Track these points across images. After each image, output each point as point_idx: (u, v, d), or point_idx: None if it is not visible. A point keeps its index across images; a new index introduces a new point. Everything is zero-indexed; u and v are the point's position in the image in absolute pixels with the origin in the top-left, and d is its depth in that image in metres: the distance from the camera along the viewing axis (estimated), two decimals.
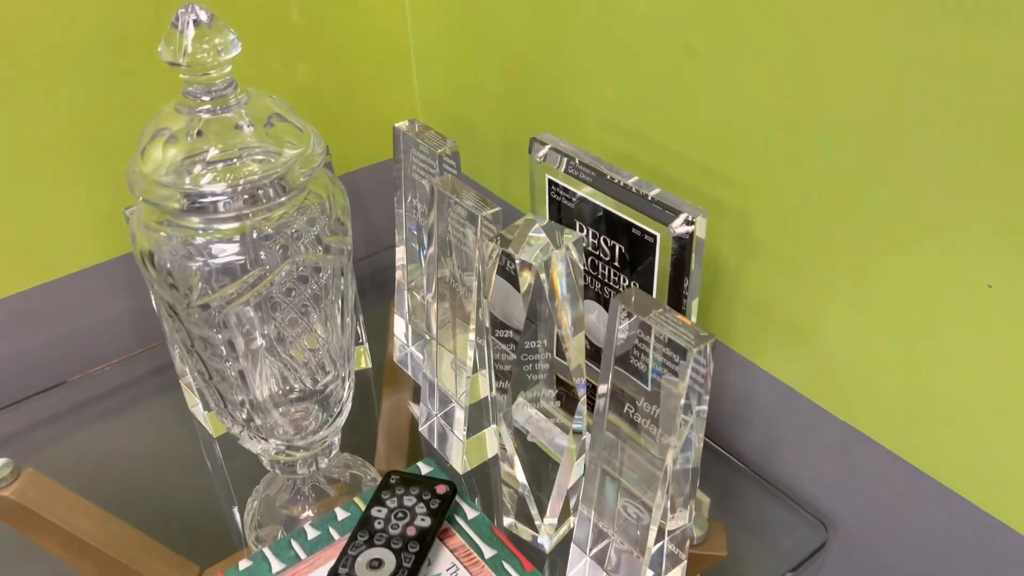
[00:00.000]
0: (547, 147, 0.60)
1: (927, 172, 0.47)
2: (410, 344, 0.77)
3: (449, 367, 0.66)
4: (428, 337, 0.67)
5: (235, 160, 0.45)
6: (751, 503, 0.64)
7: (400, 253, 0.74)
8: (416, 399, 0.75)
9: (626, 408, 0.51)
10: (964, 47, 0.42)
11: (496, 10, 0.73)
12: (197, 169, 0.45)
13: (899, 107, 0.46)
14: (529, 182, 0.62)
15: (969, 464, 0.52)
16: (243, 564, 0.54)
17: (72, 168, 0.72)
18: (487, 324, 0.54)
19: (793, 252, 0.56)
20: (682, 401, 0.47)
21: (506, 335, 0.54)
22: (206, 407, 0.70)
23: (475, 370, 0.64)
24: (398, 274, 0.75)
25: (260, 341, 0.51)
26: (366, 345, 0.78)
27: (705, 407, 0.49)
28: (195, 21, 0.43)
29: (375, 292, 0.89)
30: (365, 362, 0.78)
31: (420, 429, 0.71)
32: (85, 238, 0.75)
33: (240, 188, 0.44)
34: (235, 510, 0.66)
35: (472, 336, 0.62)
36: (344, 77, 0.84)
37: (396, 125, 0.67)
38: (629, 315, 0.48)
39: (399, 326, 0.78)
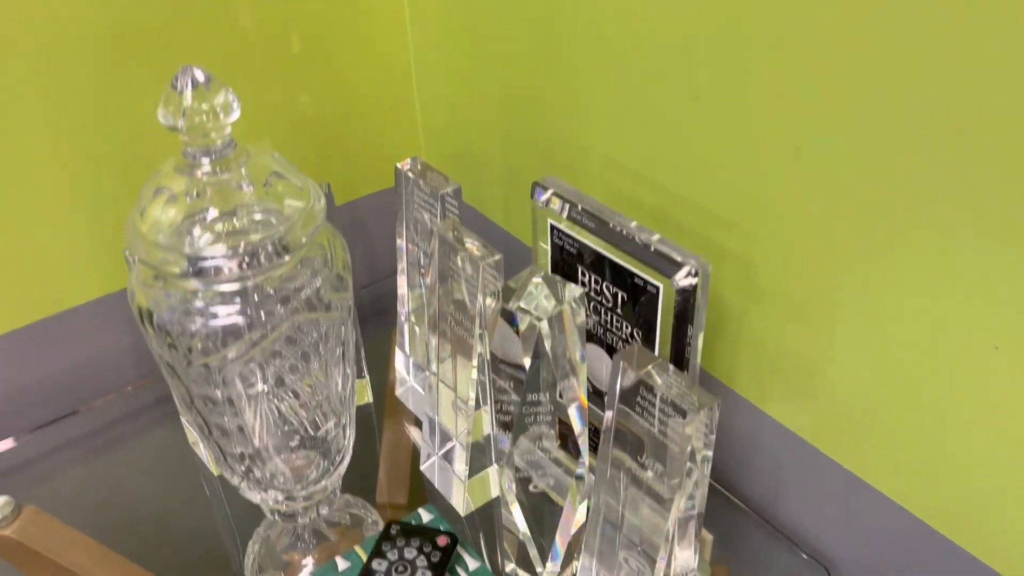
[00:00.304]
0: (549, 191, 0.60)
1: (935, 227, 0.46)
2: (411, 378, 0.77)
3: (450, 405, 0.66)
4: (428, 372, 0.67)
5: (235, 220, 0.45)
6: (754, 545, 0.64)
7: (401, 287, 0.73)
8: (418, 426, 0.75)
9: (628, 462, 0.51)
10: (969, 98, 0.42)
11: (500, 46, 0.73)
12: (197, 231, 0.44)
13: (907, 156, 0.46)
14: (531, 224, 0.62)
15: (971, 517, 0.52)
16: None
17: (74, 205, 0.72)
18: (488, 367, 0.54)
19: (798, 299, 0.56)
20: (686, 453, 0.47)
21: (508, 385, 0.54)
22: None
23: (477, 407, 0.64)
24: (399, 309, 0.75)
25: (260, 387, 0.50)
26: (367, 378, 0.78)
27: (710, 454, 0.48)
28: (192, 83, 0.42)
29: (376, 319, 0.88)
30: (367, 396, 0.78)
31: (421, 468, 0.71)
32: (86, 273, 0.75)
33: (241, 250, 0.44)
34: (236, 546, 0.66)
35: (474, 375, 0.62)
36: (346, 107, 0.83)
37: (398, 165, 0.67)
38: (632, 374, 0.47)
39: (399, 360, 0.77)
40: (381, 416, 0.78)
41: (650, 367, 0.47)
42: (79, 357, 0.78)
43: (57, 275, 0.74)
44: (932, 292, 0.48)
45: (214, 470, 0.71)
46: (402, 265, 0.72)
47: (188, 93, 0.42)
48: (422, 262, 0.70)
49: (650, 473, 0.50)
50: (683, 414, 0.46)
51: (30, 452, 0.75)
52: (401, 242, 0.71)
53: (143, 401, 0.79)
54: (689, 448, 0.46)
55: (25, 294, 0.73)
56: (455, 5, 0.76)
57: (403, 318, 0.75)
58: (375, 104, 0.85)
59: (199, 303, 0.46)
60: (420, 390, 0.76)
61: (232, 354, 0.46)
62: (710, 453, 0.48)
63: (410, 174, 0.66)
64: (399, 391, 0.79)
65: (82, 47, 0.66)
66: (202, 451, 0.71)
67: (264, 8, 0.74)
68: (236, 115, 0.43)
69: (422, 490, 0.70)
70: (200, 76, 0.43)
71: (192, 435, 0.72)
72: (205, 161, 0.44)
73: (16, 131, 0.66)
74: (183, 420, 0.72)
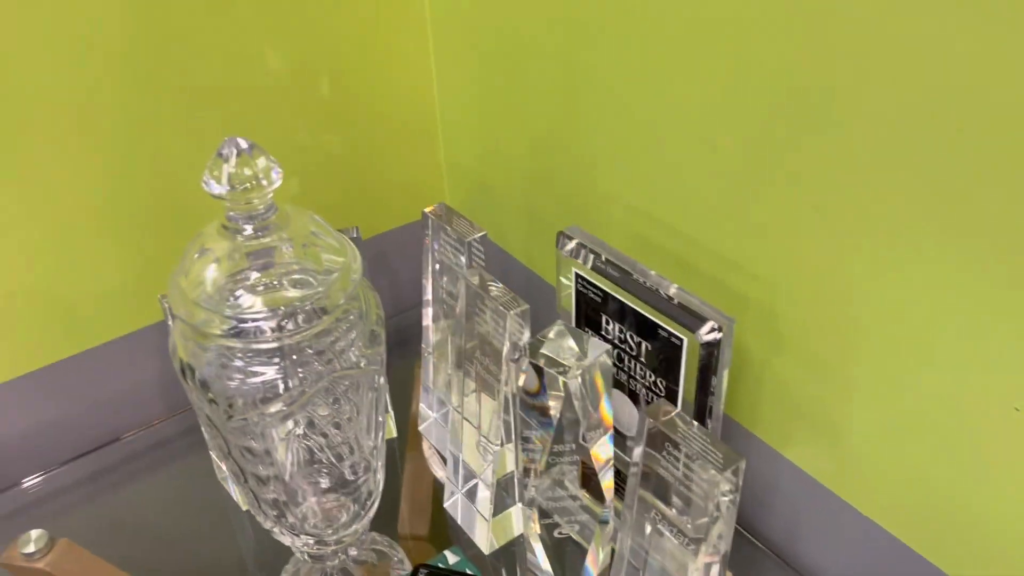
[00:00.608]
0: (574, 241, 0.61)
1: (963, 288, 0.47)
2: (434, 412, 0.78)
3: (474, 444, 0.67)
4: (452, 409, 0.68)
5: (275, 282, 0.46)
6: None
7: (426, 324, 0.75)
8: (441, 460, 0.76)
9: (654, 510, 0.52)
10: (993, 157, 0.43)
11: (525, 94, 0.74)
12: (238, 292, 0.46)
13: (934, 215, 0.47)
14: (555, 271, 0.63)
15: (993, 569, 0.52)
16: None
17: (106, 243, 0.74)
18: (512, 407, 0.55)
19: (820, 349, 0.57)
20: (712, 506, 0.48)
21: (534, 430, 0.55)
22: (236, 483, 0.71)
23: (501, 444, 0.65)
24: (424, 346, 0.76)
25: (292, 431, 0.52)
26: (391, 413, 0.79)
27: (735, 507, 0.49)
28: (237, 153, 0.44)
29: (400, 350, 0.90)
30: (391, 431, 0.79)
31: (444, 505, 0.72)
32: (115, 309, 0.77)
33: (280, 312, 0.45)
34: None
35: (498, 415, 0.63)
36: (371, 147, 0.85)
37: (425, 210, 0.68)
38: (658, 430, 0.49)
39: (424, 397, 0.79)
40: (403, 449, 0.79)
41: (676, 423, 0.49)
42: (110, 391, 0.80)
43: (89, 311, 0.76)
44: (957, 350, 0.49)
45: (242, 505, 0.73)
46: (427, 302, 0.73)
47: (233, 162, 0.44)
48: (447, 301, 0.71)
49: (675, 521, 0.51)
50: (708, 471, 0.47)
51: (62, 484, 0.77)
52: (427, 282, 0.72)
53: (172, 434, 0.81)
54: (715, 502, 0.48)
55: (58, 330, 0.75)
56: (481, 53, 0.78)
57: (427, 354, 0.76)
58: (400, 144, 0.87)
59: (238, 362, 0.47)
60: (443, 425, 0.77)
61: (272, 410, 0.47)
62: (735, 506, 0.49)
63: (437, 219, 0.68)
64: (422, 426, 0.80)
65: (118, 94, 0.68)
66: (231, 486, 0.72)
67: (295, 51, 0.75)
68: (278, 183, 0.45)
69: (443, 523, 0.72)
70: (243, 144, 0.44)
71: (221, 471, 0.74)
72: (248, 226, 0.46)
73: (49, 170, 0.68)
74: (212, 455, 0.74)
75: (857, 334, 0.54)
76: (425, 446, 0.79)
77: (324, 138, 0.81)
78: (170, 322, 0.64)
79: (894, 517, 0.57)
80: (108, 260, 0.74)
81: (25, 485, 0.76)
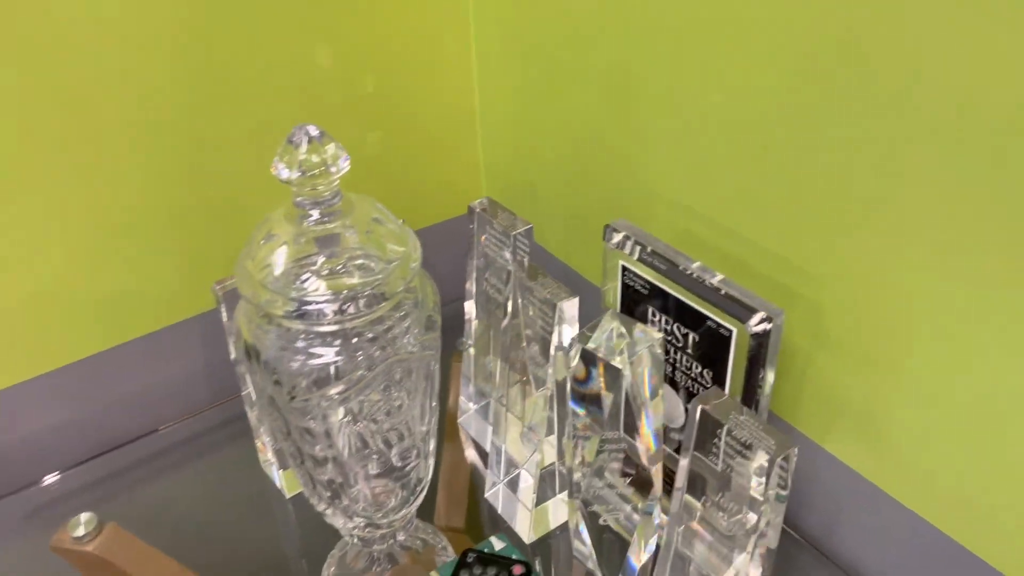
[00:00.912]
0: (621, 234, 0.62)
1: (1010, 286, 0.48)
2: (474, 405, 0.79)
3: (518, 435, 0.68)
4: (494, 400, 0.69)
5: (340, 267, 0.47)
6: None
7: (469, 317, 0.76)
8: (477, 452, 0.77)
9: (703, 498, 0.53)
10: None
11: (567, 92, 0.75)
12: (305, 276, 0.47)
13: (985, 212, 0.47)
14: (602, 265, 0.64)
15: None
16: None
17: (157, 235, 0.75)
18: (556, 400, 0.56)
19: (866, 346, 0.57)
20: (761, 495, 0.49)
21: (584, 421, 0.56)
22: (283, 466, 0.72)
23: (545, 435, 0.66)
24: (466, 339, 0.77)
25: (348, 416, 0.53)
26: None
27: (785, 494, 0.50)
28: (308, 140, 0.45)
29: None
30: None
31: (486, 495, 0.73)
32: (164, 300, 0.78)
33: (342, 297, 0.47)
34: (306, 567, 0.69)
35: (544, 408, 0.64)
36: (411, 145, 0.86)
37: (471, 204, 0.69)
38: (710, 416, 0.50)
39: (463, 389, 0.80)
40: (441, 441, 0.80)
41: (728, 410, 0.49)
42: (156, 380, 0.81)
43: (139, 302, 0.77)
44: (1008, 348, 0.49)
45: (287, 492, 0.74)
46: (470, 294, 0.74)
47: (303, 148, 0.45)
48: (490, 294, 0.72)
49: (723, 511, 0.52)
50: (759, 457, 0.48)
51: (108, 471, 0.78)
52: (471, 275, 0.73)
53: (215, 423, 0.82)
54: (764, 490, 0.48)
55: (109, 320, 0.76)
56: (523, 53, 0.79)
57: (468, 346, 0.77)
58: (439, 143, 0.88)
59: (300, 343, 0.48)
60: (482, 417, 0.78)
61: (332, 391, 0.49)
62: (785, 493, 0.50)
63: (483, 212, 0.69)
64: (461, 418, 0.81)
65: (168, 114, 0.70)
66: (275, 472, 0.74)
67: (344, 50, 0.77)
68: (345, 169, 0.46)
69: (478, 516, 0.73)
70: (313, 132, 0.46)
71: (264, 457, 0.75)
72: (314, 212, 0.47)
73: (100, 164, 0.70)
74: (257, 443, 0.75)
75: (905, 330, 0.55)
76: (463, 437, 0.80)
77: (366, 135, 0.83)
78: (223, 310, 0.66)
79: (937, 509, 0.58)
80: (161, 255, 0.76)
81: (72, 472, 0.78)
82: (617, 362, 0.51)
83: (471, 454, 0.79)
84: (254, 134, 0.75)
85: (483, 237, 0.70)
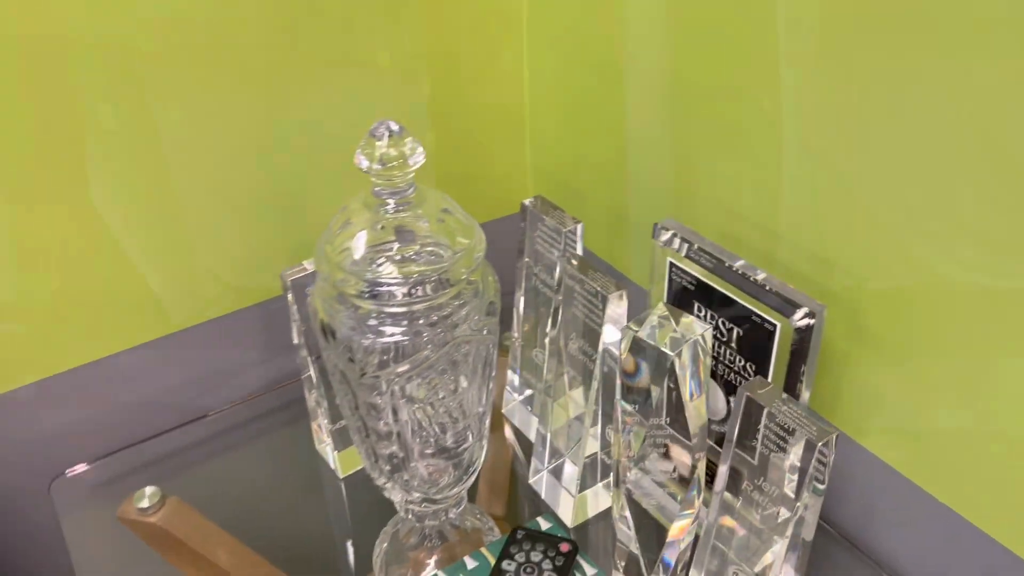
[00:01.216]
0: (670, 232, 0.65)
1: None
2: (519, 396, 0.82)
3: (564, 425, 0.71)
4: (540, 391, 0.72)
5: (411, 255, 0.51)
6: (844, 572, 0.68)
7: (519, 310, 0.79)
8: (519, 442, 0.80)
9: (744, 486, 0.55)
10: None
11: (614, 93, 0.79)
12: (380, 260, 0.51)
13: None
14: (650, 263, 0.67)
15: None
16: None
17: (223, 222, 0.80)
18: (601, 393, 0.59)
19: (904, 344, 0.60)
20: (801, 483, 0.51)
21: (631, 410, 0.59)
22: (337, 448, 0.76)
23: (591, 425, 0.69)
24: (514, 332, 0.80)
25: (411, 396, 0.56)
26: None
27: (822, 486, 0.53)
28: (388, 134, 0.49)
29: None
30: None
31: (530, 481, 0.76)
32: (227, 290, 0.83)
33: (412, 280, 0.50)
34: (356, 544, 0.72)
35: (591, 399, 0.67)
36: (462, 146, 0.90)
37: (524, 201, 0.73)
38: (756, 404, 0.52)
39: (511, 379, 0.83)
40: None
41: (773, 398, 0.52)
42: (219, 362, 0.86)
43: (205, 290, 0.82)
44: None
45: (340, 472, 0.77)
46: (521, 290, 0.78)
47: (384, 141, 0.49)
48: (539, 289, 0.75)
49: (761, 501, 0.55)
50: (801, 443, 0.50)
51: (172, 448, 0.83)
52: (521, 270, 0.77)
53: (274, 406, 0.87)
54: (804, 476, 0.51)
55: (176, 305, 0.81)
56: (573, 56, 0.82)
57: (516, 338, 0.80)
58: (490, 144, 0.92)
59: (372, 321, 0.52)
60: (527, 407, 0.81)
61: (402, 369, 0.52)
62: (823, 484, 0.52)
63: (534, 210, 0.72)
64: (506, 408, 0.84)
65: (243, 87, 0.74)
66: (330, 454, 0.77)
67: (404, 55, 0.81)
68: (421, 161, 0.50)
69: (518, 502, 0.76)
70: (394, 127, 0.49)
71: (320, 439, 0.79)
72: (391, 201, 0.51)
73: (184, 162, 0.75)
74: (313, 425, 0.79)
75: (944, 329, 0.57)
76: (507, 428, 0.83)
77: (423, 136, 0.87)
78: (290, 296, 0.70)
79: (974, 506, 0.60)
80: (228, 243, 0.80)
81: (138, 447, 0.82)
82: (665, 349, 0.54)
83: (514, 443, 0.82)
84: (313, 130, 0.79)
85: (534, 233, 0.74)
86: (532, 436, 0.80)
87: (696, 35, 0.67)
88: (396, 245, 0.51)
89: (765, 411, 0.52)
